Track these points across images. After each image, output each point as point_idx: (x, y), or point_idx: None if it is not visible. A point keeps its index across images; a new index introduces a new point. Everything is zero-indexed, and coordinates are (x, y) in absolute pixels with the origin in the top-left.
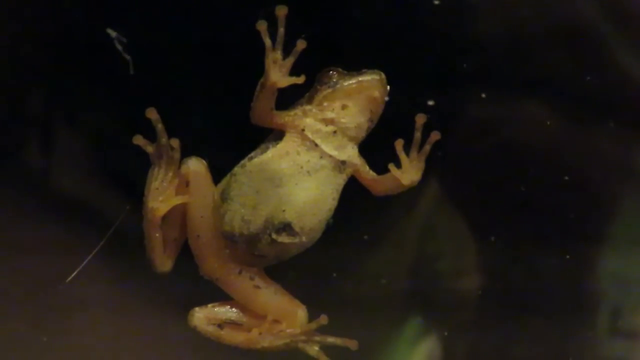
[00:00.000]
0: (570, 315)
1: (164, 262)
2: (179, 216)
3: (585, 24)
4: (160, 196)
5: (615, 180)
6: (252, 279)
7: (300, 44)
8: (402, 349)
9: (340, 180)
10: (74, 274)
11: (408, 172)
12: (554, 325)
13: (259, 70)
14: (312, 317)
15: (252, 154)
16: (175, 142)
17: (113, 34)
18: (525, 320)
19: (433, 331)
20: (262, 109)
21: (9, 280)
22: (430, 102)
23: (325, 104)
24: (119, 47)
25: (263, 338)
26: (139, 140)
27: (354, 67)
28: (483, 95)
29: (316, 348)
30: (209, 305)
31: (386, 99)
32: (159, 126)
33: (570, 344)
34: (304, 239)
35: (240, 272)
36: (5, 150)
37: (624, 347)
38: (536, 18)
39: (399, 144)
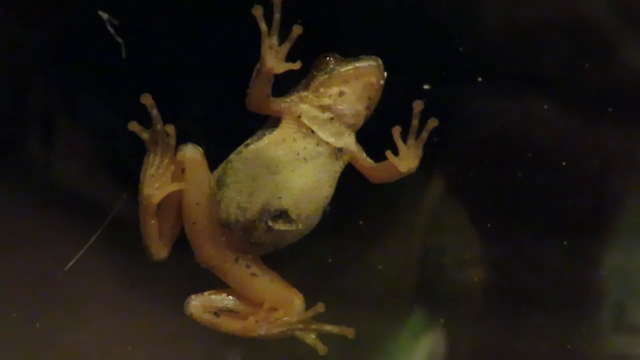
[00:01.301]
0: (573, 309)
1: (159, 250)
2: (175, 203)
3: (585, 10)
4: (156, 183)
5: (618, 171)
6: (248, 266)
7: (297, 30)
8: (404, 340)
9: (337, 167)
10: (72, 262)
11: (405, 159)
12: (557, 319)
13: (255, 56)
14: (309, 305)
15: (249, 140)
16: (170, 129)
17: (105, 16)
18: (528, 313)
19: (436, 323)
20: (258, 95)
21: (6, 272)
22: (426, 86)
23: (321, 90)
24: (111, 30)
25: (260, 326)
26: (134, 126)
27: (350, 53)
28: (479, 79)
29: (313, 336)
30: (205, 293)
31: (381, 82)
32: (154, 112)
33: (572, 337)
34: (300, 226)
35: (236, 260)
36: None
37: (626, 340)
38: (535, 3)
39: (396, 131)
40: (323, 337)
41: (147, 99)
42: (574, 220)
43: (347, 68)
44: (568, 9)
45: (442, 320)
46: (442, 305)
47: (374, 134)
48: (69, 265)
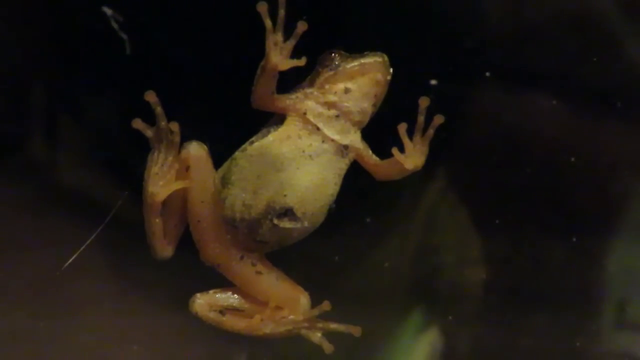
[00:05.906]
0: (575, 307)
1: (164, 248)
2: (180, 201)
3: (592, 5)
4: (161, 181)
5: (624, 169)
6: (253, 264)
7: (301, 26)
8: (406, 338)
9: (343, 164)
10: (69, 261)
11: (411, 156)
12: (559, 317)
13: (260, 52)
14: (314, 303)
15: (253, 138)
16: (174, 126)
17: (109, 12)
18: (530, 312)
19: (436, 321)
20: (262, 92)
21: (8, 273)
22: (433, 82)
23: (327, 86)
24: (115, 26)
25: (265, 324)
26: (137, 123)
27: (356, 49)
28: (487, 75)
29: (319, 335)
30: (211, 292)
31: (387, 78)
32: (158, 109)
33: (575, 335)
34: (305, 224)
35: (241, 258)
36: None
37: (629, 338)
38: None
39: (402, 128)
40: (329, 335)
41: (151, 96)
42: (579, 218)
43: (353, 64)
44: (575, 5)
45: (444, 318)
46: (444, 303)
47: (380, 131)
48: (66, 265)
